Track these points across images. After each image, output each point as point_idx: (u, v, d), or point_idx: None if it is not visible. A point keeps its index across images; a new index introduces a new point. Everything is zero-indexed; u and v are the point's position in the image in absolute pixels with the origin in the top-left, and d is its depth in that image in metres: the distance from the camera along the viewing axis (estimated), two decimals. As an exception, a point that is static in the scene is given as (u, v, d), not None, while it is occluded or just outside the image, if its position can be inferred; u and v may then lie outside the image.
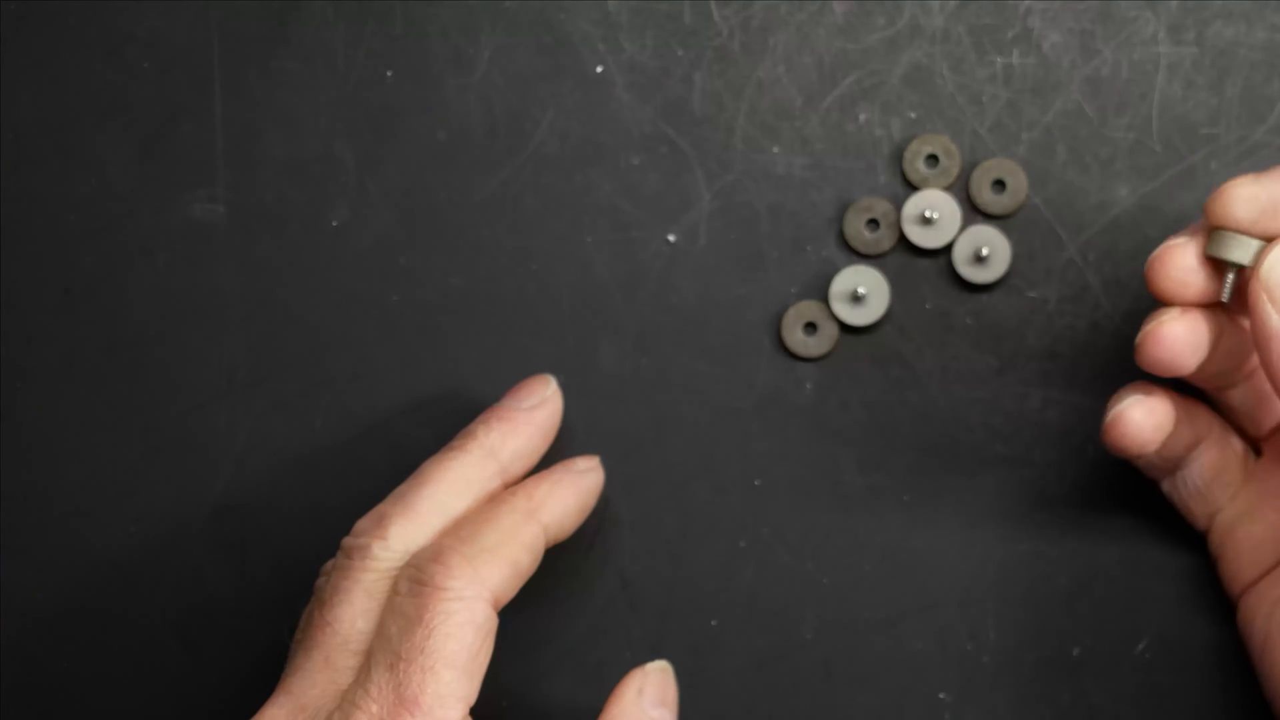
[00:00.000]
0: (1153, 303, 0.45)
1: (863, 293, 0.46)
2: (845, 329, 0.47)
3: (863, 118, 0.48)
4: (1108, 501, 0.46)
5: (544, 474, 0.44)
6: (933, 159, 0.47)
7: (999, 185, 0.47)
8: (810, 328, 0.47)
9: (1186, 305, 0.41)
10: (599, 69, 0.49)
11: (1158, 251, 0.41)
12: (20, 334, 0.49)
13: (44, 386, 0.49)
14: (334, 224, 0.49)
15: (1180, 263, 0.41)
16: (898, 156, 0.47)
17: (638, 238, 0.48)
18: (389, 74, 0.49)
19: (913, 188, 0.47)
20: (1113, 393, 0.46)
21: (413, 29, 0.49)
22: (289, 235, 0.49)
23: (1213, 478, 0.44)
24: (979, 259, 0.46)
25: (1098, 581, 0.46)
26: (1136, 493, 0.46)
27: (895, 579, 0.47)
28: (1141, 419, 0.42)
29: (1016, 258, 0.47)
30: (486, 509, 0.43)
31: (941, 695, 0.46)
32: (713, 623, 0.47)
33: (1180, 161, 0.47)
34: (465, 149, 0.49)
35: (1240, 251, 0.40)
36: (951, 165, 0.47)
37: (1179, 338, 0.40)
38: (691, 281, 0.48)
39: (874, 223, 0.47)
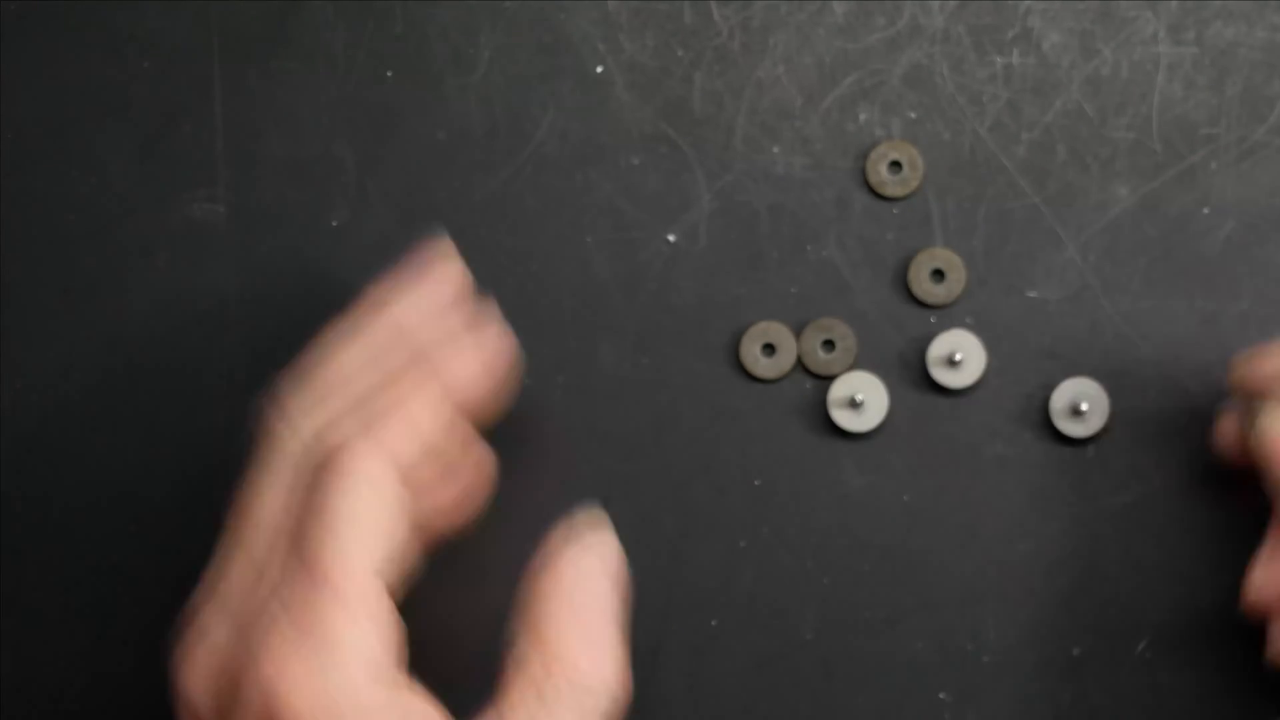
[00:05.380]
0: (1154, 302, 0.45)
1: (959, 359, 0.46)
2: (940, 390, 0.47)
3: (863, 118, 0.48)
4: (1108, 501, 0.46)
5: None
6: (896, 165, 0.47)
7: (938, 275, 0.47)
8: (768, 349, 0.47)
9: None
10: (599, 69, 0.49)
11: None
12: (20, 334, 0.49)
13: (44, 386, 0.49)
14: (334, 224, 0.49)
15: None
16: (898, 156, 0.47)
17: (638, 238, 0.48)
18: (389, 74, 0.49)
19: (871, 190, 0.47)
20: (1111, 392, 0.46)
21: (413, 29, 0.49)
22: (289, 235, 0.49)
23: None
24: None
25: (1097, 581, 0.46)
26: (1137, 493, 0.46)
27: (895, 579, 0.47)
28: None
29: (1017, 258, 0.47)
30: (384, 376, 0.43)
31: (941, 695, 0.46)
32: (713, 623, 0.47)
33: (1180, 161, 0.47)
34: (465, 149, 0.49)
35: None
36: (912, 177, 0.47)
37: None
38: (691, 281, 0.48)
39: (897, 165, 0.47)
